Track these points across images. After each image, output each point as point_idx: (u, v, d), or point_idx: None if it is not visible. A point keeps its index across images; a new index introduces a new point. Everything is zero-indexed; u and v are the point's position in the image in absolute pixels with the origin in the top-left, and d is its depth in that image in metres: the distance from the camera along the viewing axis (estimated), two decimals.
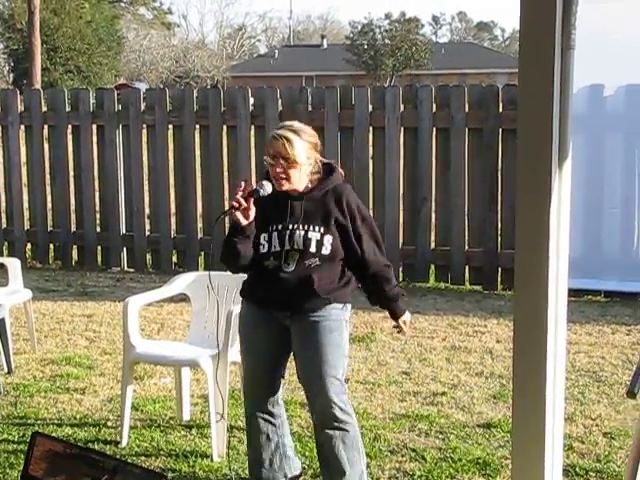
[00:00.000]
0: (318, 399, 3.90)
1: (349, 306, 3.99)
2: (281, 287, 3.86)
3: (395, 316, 4.06)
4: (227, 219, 4.10)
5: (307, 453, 4.60)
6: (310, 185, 3.91)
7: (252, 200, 3.81)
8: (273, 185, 3.88)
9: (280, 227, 3.87)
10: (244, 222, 3.82)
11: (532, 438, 2.84)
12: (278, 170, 3.82)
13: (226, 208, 3.97)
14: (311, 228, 3.85)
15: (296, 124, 3.91)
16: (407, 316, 4.06)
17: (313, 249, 3.83)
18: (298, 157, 3.80)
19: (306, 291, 3.84)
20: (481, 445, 4.80)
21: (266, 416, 4.09)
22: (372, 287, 4.03)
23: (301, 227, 3.85)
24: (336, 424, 3.89)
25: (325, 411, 3.88)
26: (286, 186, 3.85)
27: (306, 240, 3.83)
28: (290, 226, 3.86)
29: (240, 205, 3.81)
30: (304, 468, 4.41)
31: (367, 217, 4.01)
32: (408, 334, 4.13)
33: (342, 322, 3.93)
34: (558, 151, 2.60)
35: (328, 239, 3.85)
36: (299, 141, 3.81)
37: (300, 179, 3.86)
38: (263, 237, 3.89)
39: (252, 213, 3.83)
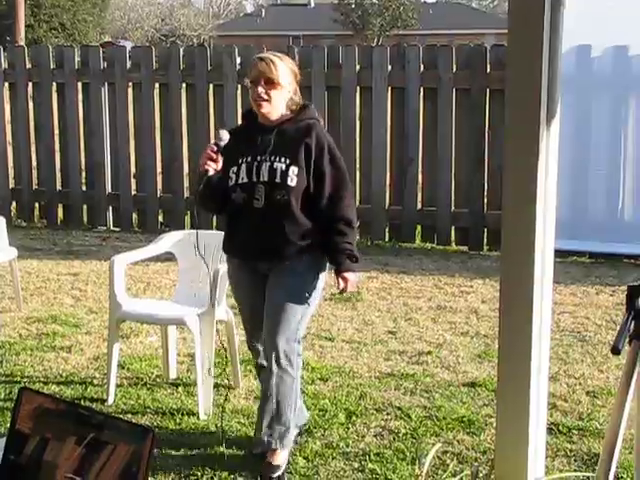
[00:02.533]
0: (268, 342, 3.93)
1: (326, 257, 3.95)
2: (254, 226, 3.85)
3: (338, 270, 3.87)
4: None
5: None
6: (285, 117, 3.91)
7: (218, 154, 3.87)
8: (253, 120, 3.95)
9: (249, 159, 3.87)
10: (212, 172, 3.88)
11: (517, 396, 2.87)
12: (260, 90, 3.83)
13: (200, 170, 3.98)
14: (277, 159, 3.83)
15: (277, 53, 3.97)
16: (352, 275, 3.88)
17: (278, 179, 3.80)
18: (280, 78, 3.83)
19: (279, 233, 3.82)
20: (466, 404, 4.83)
21: None
22: (325, 238, 3.88)
23: (268, 158, 3.84)
24: (276, 368, 3.91)
25: (271, 353, 3.91)
26: (266, 108, 3.85)
27: (272, 171, 3.81)
28: (258, 157, 3.85)
29: (212, 167, 3.86)
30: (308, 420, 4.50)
31: (337, 159, 3.92)
32: (350, 290, 3.91)
33: (313, 271, 3.91)
34: (547, 109, 2.59)
35: (293, 170, 3.81)
36: (282, 64, 3.85)
37: (280, 103, 3.87)
38: (232, 170, 3.88)
39: (220, 163, 3.88)
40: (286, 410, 3.99)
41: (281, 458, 4.03)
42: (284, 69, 3.85)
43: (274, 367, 3.92)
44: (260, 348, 4.09)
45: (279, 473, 3.98)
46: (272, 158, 3.83)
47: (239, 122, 8.94)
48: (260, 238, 3.87)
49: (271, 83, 3.82)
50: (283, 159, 3.82)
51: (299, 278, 3.90)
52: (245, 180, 3.85)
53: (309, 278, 3.92)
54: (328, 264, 3.98)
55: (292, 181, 3.80)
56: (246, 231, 3.90)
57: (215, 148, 3.88)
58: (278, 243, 3.85)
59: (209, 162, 3.85)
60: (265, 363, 4.04)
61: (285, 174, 3.80)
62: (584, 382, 5.14)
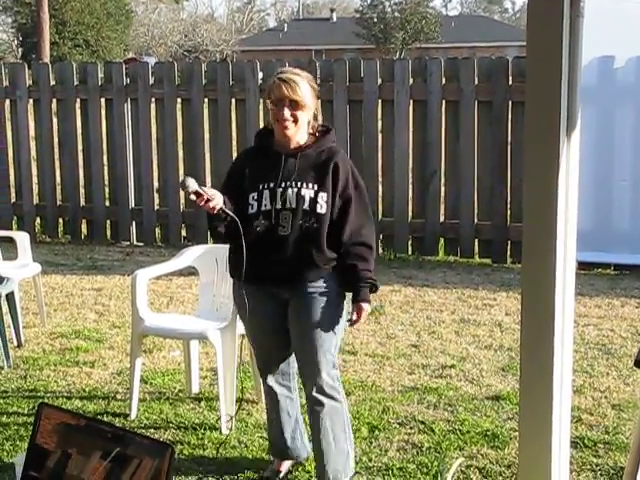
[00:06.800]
0: (309, 374, 3.85)
1: None
2: (278, 254, 3.70)
3: (356, 299, 3.76)
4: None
5: None
6: (306, 141, 3.79)
7: (201, 195, 3.59)
8: (270, 143, 3.80)
9: (272, 185, 3.71)
10: (220, 203, 3.64)
11: (540, 410, 2.84)
12: (285, 114, 3.69)
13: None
14: (304, 185, 3.70)
15: (296, 69, 3.83)
16: (368, 306, 3.78)
17: (306, 207, 3.67)
18: (305, 98, 3.69)
19: (305, 260, 3.69)
20: (490, 417, 4.80)
21: (285, 391, 4.05)
22: (345, 262, 3.75)
23: (294, 184, 3.70)
24: (324, 400, 3.84)
25: (314, 387, 3.84)
26: (292, 130, 3.72)
27: (299, 197, 3.67)
28: (283, 183, 3.70)
29: (210, 205, 3.62)
30: None
31: (361, 185, 3.80)
32: (359, 323, 3.82)
33: (338, 294, 3.80)
34: (567, 120, 2.57)
35: (322, 196, 3.68)
36: (304, 83, 3.71)
37: (305, 124, 3.75)
38: (252, 197, 3.72)
39: (216, 200, 3.61)
40: (341, 437, 3.91)
41: None
42: (307, 89, 3.71)
43: (322, 400, 3.84)
44: (275, 376, 4.02)
45: None
46: (298, 184, 3.70)
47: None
48: (285, 265, 3.71)
49: (296, 105, 3.69)
50: (310, 185, 3.70)
51: (326, 306, 3.77)
52: (268, 207, 3.69)
53: (336, 302, 3.80)
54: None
55: (322, 208, 3.68)
56: (268, 258, 3.73)
57: (193, 196, 3.61)
58: (304, 269, 3.72)
59: (209, 204, 3.60)
60: (275, 386, 4.02)
61: (314, 201, 3.68)
62: (610, 395, 5.09)
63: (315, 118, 3.84)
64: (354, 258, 3.75)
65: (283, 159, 3.76)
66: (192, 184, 3.60)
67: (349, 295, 3.84)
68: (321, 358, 3.80)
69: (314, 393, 3.85)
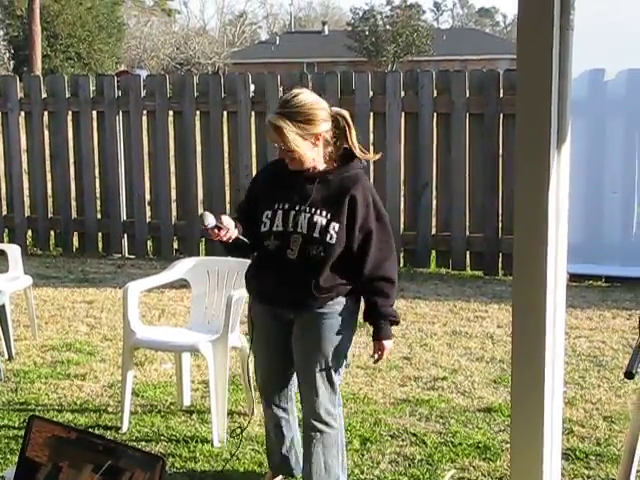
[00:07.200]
0: (308, 397, 3.80)
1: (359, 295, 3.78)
2: (283, 276, 3.66)
3: (378, 337, 3.74)
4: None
5: None
6: (327, 167, 3.69)
7: (217, 229, 3.63)
8: (284, 163, 3.72)
9: (287, 206, 3.65)
10: (234, 233, 3.68)
11: (531, 422, 2.84)
12: (281, 153, 3.65)
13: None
14: (318, 212, 3.61)
15: (294, 100, 3.59)
16: (389, 343, 3.75)
17: (316, 234, 3.59)
18: (290, 144, 3.56)
19: (309, 288, 3.63)
20: (481, 429, 4.80)
21: (280, 411, 4.01)
22: (365, 295, 3.74)
23: (308, 209, 3.62)
24: (319, 425, 3.79)
25: (311, 410, 3.79)
26: (294, 165, 3.65)
27: (310, 223, 3.60)
28: (297, 207, 3.64)
29: (226, 238, 3.66)
30: None
31: (383, 216, 3.69)
32: (381, 362, 3.83)
33: (348, 316, 3.74)
34: (557, 133, 2.58)
35: (334, 226, 3.59)
36: (289, 128, 3.54)
37: (306, 156, 3.62)
38: (266, 215, 3.68)
39: (231, 229, 3.65)
40: (333, 463, 3.86)
41: None
42: (291, 132, 3.54)
43: (317, 425, 3.79)
44: (274, 394, 3.98)
45: None
46: (312, 210, 3.61)
47: (253, 149, 9.08)
48: (287, 289, 3.68)
49: (285, 147, 3.60)
50: (324, 213, 3.60)
51: (332, 331, 3.70)
52: (280, 228, 3.65)
53: (342, 328, 3.72)
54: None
55: (332, 238, 3.59)
56: (273, 280, 3.71)
57: (210, 232, 3.66)
58: (305, 297, 3.66)
59: (222, 235, 3.63)
60: (273, 407, 3.99)
61: (325, 230, 3.59)
62: (601, 407, 5.10)
63: (332, 143, 3.68)
64: (375, 294, 3.70)
65: (302, 182, 3.69)
66: (211, 220, 3.62)
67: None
68: (320, 384, 3.74)
69: (310, 419, 3.81)
